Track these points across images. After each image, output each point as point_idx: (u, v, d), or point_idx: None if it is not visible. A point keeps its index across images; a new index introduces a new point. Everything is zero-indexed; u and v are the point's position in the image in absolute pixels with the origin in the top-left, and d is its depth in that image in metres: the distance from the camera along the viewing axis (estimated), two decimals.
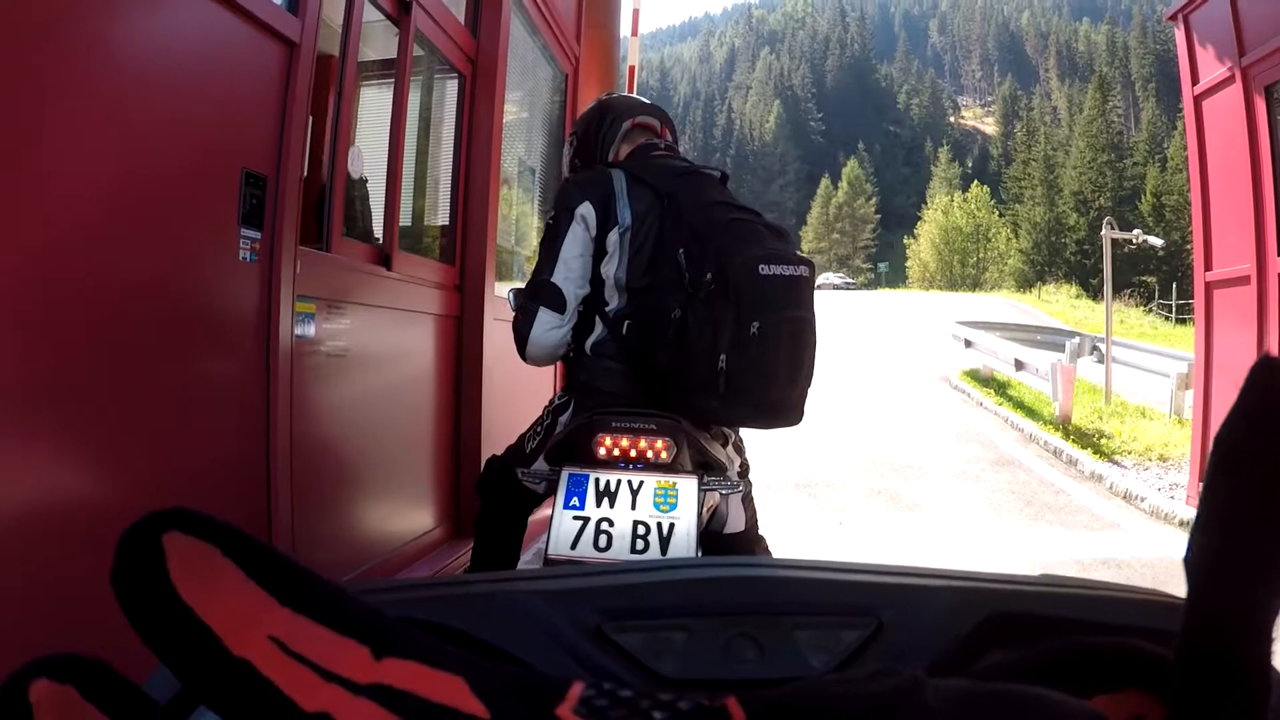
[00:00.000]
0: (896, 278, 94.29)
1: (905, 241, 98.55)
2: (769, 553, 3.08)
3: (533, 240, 5.99)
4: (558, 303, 2.66)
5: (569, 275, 2.65)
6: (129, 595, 0.45)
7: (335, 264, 3.37)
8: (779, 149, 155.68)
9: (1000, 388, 14.28)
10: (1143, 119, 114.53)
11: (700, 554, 2.35)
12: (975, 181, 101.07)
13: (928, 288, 77.36)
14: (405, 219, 4.28)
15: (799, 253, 2.53)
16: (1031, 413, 12.27)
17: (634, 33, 9.46)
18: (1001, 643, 0.64)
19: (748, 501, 2.96)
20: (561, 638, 0.67)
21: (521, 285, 2.87)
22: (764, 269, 2.40)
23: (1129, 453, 9.88)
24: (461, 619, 0.67)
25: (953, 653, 0.67)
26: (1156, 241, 16.64)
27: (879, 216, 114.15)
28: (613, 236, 2.64)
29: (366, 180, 3.87)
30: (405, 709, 0.45)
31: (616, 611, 0.70)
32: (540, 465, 2.68)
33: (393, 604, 0.67)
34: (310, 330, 3.11)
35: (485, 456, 4.56)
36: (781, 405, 2.50)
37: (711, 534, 2.68)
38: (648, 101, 3.06)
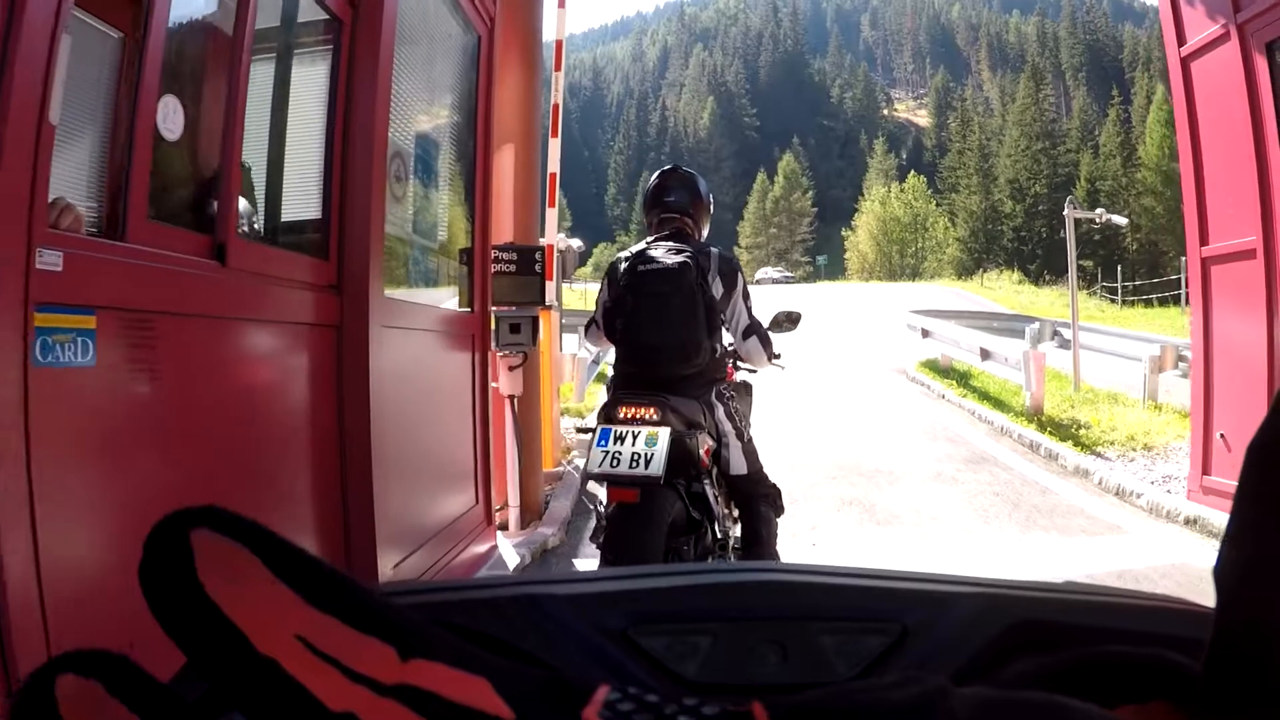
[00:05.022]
0: (835, 270, 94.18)
1: (843, 234, 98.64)
2: (778, 493, 4.37)
3: (441, 233, 5.07)
4: (592, 324, 4.52)
5: (595, 314, 4.45)
6: (156, 591, 0.44)
7: (133, 257, 2.41)
8: (714, 145, 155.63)
9: (962, 378, 13.59)
10: (1074, 107, 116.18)
11: (667, 474, 3.64)
12: (912, 172, 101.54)
13: (867, 279, 77.33)
14: (258, 202, 3.34)
15: (680, 245, 4.19)
16: (999, 404, 11.57)
17: (560, 4, 8.58)
18: (1026, 650, 0.65)
19: (749, 452, 4.29)
20: (586, 641, 0.68)
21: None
22: (640, 267, 4.11)
23: (1110, 443, 9.18)
24: (487, 621, 0.68)
25: (977, 660, 0.68)
26: (1121, 220, 16.08)
27: (816, 210, 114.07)
28: (613, 290, 4.26)
29: (190, 146, 2.90)
30: (430, 710, 0.44)
31: (642, 615, 0.70)
32: (592, 421, 4.04)
33: (419, 606, 0.69)
34: (84, 356, 2.15)
35: (378, 487, 3.66)
36: (657, 345, 4.06)
37: (723, 474, 4.23)
38: (662, 192, 4.47)
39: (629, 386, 4.09)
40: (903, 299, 35.09)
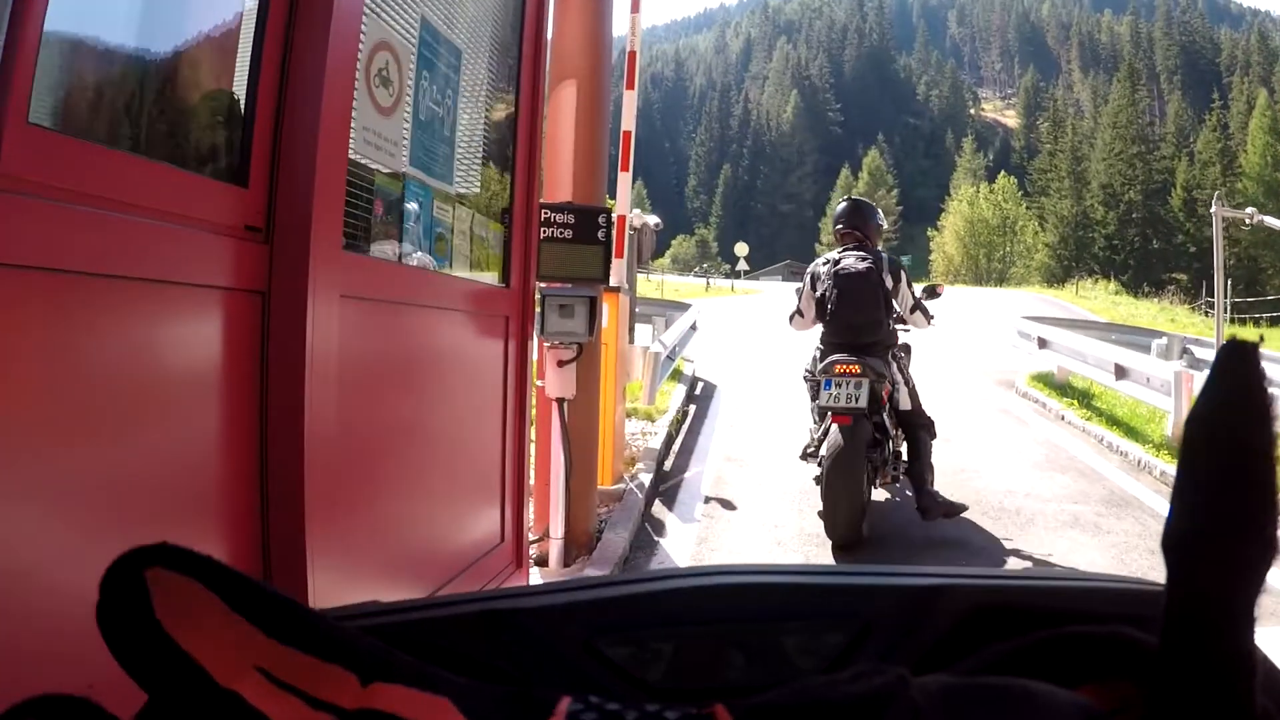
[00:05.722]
0: (919, 271, 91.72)
1: (928, 234, 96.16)
2: (932, 423, 6.48)
3: (465, 178, 3.65)
4: (796, 314, 6.63)
5: (800, 305, 6.56)
6: (114, 632, 0.45)
7: None
8: (797, 140, 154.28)
9: (1083, 397, 11.87)
10: (1169, 112, 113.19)
11: (868, 409, 5.75)
12: (1002, 172, 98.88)
13: (953, 282, 75.14)
14: (95, 76, 1.96)
15: (864, 254, 6.35)
16: (1132, 432, 9.90)
17: None
18: (988, 636, 0.65)
19: (912, 394, 6.45)
20: (551, 654, 0.68)
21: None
22: (839, 271, 6.20)
23: None
24: (452, 639, 0.67)
25: (939, 649, 0.69)
26: (1277, 223, 14.16)
27: (900, 209, 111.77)
28: (819, 289, 6.37)
29: None
30: None
31: (605, 625, 0.70)
32: (815, 370, 6.33)
33: (383, 627, 0.67)
34: None
35: (318, 531, 2.32)
36: (851, 322, 6.16)
37: (894, 409, 6.27)
38: (848, 216, 6.75)
39: (838, 351, 6.12)
40: (996, 305, 33.46)
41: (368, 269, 2.63)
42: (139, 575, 0.45)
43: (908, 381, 6.47)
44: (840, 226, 6.68)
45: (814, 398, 6.43)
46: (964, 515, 6.38)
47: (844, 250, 6.45)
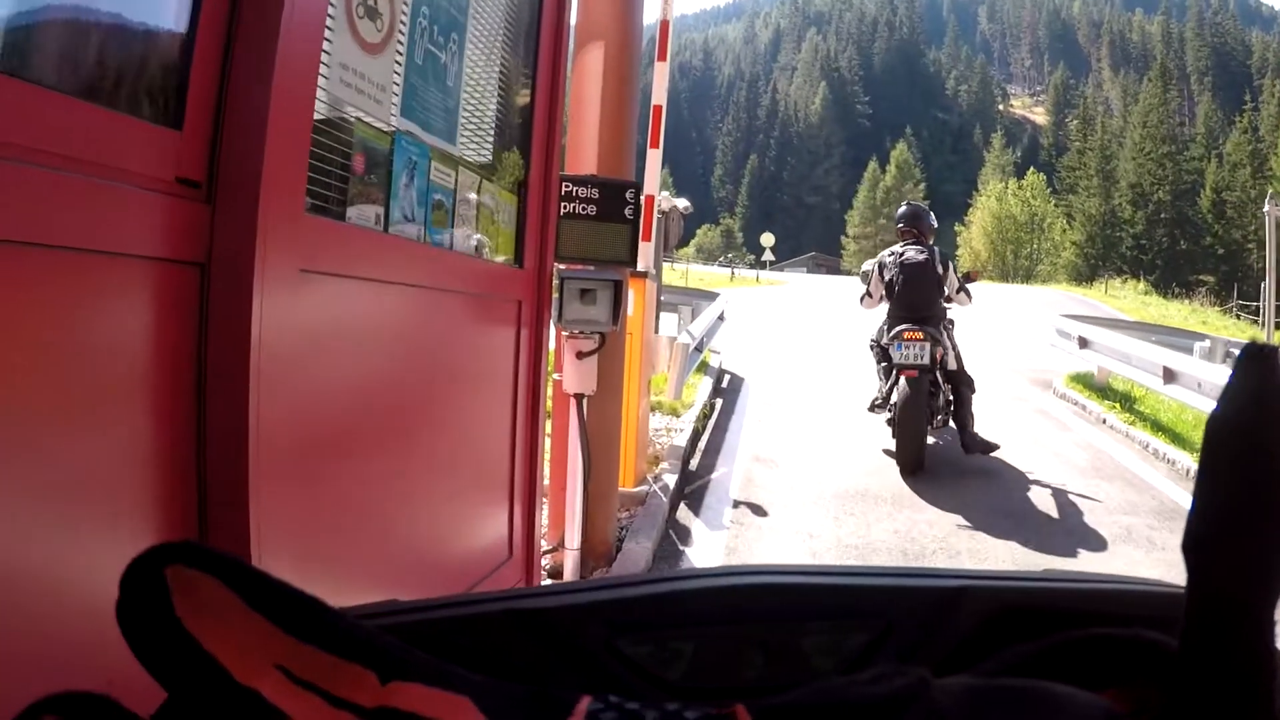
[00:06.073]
0: None
1: (955, 229, 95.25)
2: (972, 380, 8.14)
3: (473, 140, 3.16)
4: (865, 296, 8.58)
5: (869, 289, 8.48)
6: (135, 629, 0.45)
7: None
8: (824, 132, 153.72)
9: (1125, 400, 11.33)
10: (1199, 113, 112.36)
11: (930, 364, 7.58)
12: (1031, 169, 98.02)
13: (979, 277, 74.80)
14: None
15: (921, 247, 8.27)
16: (1178, 439, 9.38)
17: None
18: (1009, 638, 0.65)
19: (957, 356, 8.05)
20: (571, 653, 0.67)
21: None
22: (903, 260, 8.16)
23: None
24: (471, 638, 0.66)
25: (961, 651, 0.68)
26: None
27: (927, 203, 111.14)
28: (887, 275, 8.26)
29: None
30: None
31: (626, 625, 0.69)
32: (884, 337, 8.16)
33: (404, 626, 0.66)
34: None
35: (264, 544, 1.84)
36: (912, 301, 7.99)
37: (942, 368, 7.78)
38: (908, 219, 8.67)
39: (905, 322, 7.77)
40: (1024, 302, 33.16)
41: (340, 237, 2.13)
42: (159, 573, 0.45)
43: (954, 347, 8.19)
44: (901, 225, 8.67)
45: (879, 360, 8.47)
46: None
47: (905, 245, 8.37)
